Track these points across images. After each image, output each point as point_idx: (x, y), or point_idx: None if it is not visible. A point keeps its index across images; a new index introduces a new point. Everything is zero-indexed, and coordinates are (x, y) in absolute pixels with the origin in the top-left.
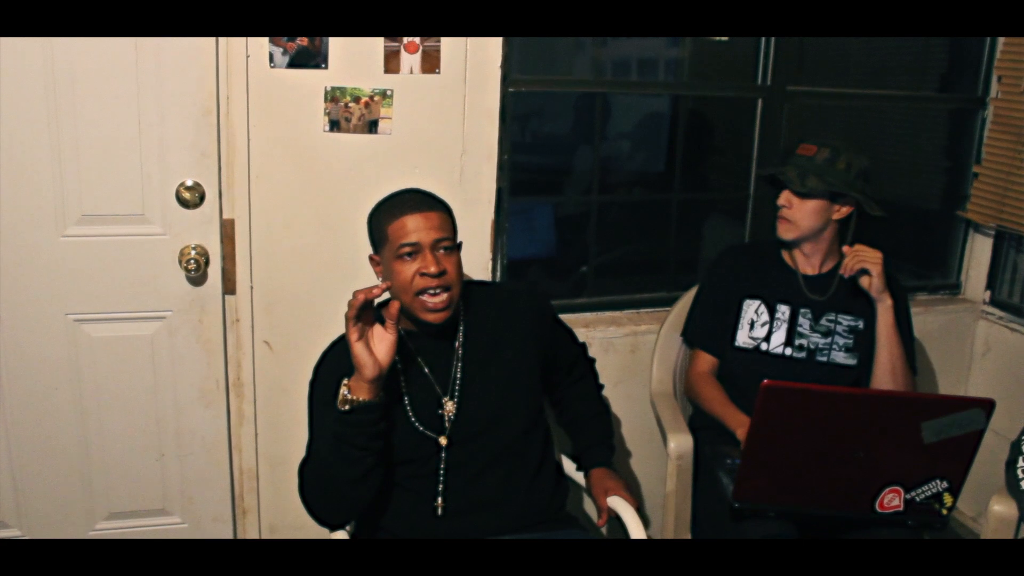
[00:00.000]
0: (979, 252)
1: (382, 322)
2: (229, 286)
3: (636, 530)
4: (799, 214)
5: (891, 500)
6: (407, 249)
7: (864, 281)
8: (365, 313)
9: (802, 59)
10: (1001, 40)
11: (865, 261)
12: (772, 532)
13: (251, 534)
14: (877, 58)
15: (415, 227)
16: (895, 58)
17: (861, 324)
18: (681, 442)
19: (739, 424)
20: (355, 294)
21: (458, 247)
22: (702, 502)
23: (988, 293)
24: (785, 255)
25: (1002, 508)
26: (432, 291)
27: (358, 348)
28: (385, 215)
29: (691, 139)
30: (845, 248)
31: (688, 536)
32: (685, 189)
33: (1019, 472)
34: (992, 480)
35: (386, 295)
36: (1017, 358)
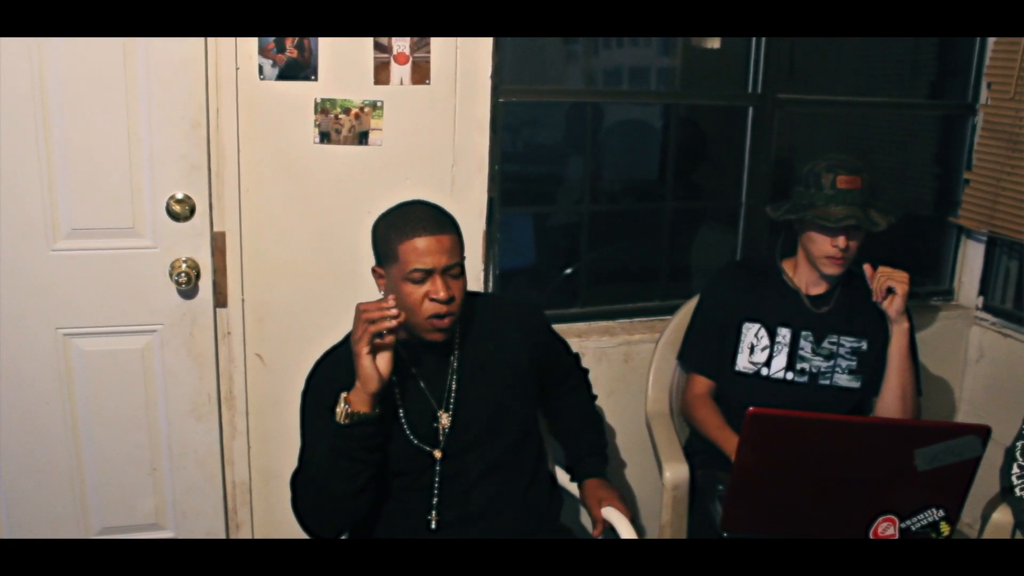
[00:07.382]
0: (971, 258)
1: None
2: (220, 299)
3: None
4: (853, 250)
5: (885, 529)
6: (418, 275)
7: (887, 301)
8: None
9: (792, 67)
10: (991, 45)
11: (894, 280)
12: None
13: None
14: (867, 65)
15: (427, 250)
16: (885, 65)
17: (864, 345)
18: (676, 472)
19: (735, 449)
20: (362, 307)
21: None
22: (694, 528)
23: (981, 299)
24: (787, 272)
25: (1001, 516)
26: (439, 316)
27: (366, 362)
28: (396, 232)
29: (683, 147)
30: (867, 267)
31: None
32: (677, 197)
33: (1014, 479)
34: (981, 484)
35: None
36: (1010, 364)
